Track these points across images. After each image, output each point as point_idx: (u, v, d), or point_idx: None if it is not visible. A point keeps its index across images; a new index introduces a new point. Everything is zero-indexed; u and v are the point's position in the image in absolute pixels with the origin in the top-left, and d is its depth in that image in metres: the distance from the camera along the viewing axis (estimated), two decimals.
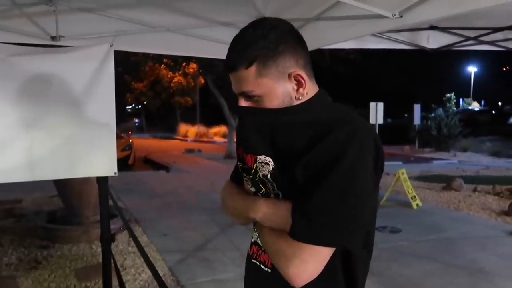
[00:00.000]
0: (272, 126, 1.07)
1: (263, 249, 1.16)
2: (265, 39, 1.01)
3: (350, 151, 0.95)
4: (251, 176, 1.13)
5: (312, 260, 0.97)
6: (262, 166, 1.07)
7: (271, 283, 1.12)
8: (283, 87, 1.05)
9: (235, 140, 1.28)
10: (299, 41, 1.07)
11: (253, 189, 1.17)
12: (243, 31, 1.06)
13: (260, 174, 1.09)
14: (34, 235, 5.15)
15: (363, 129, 1.01)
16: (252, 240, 1.25)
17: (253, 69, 1.02)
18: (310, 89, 1.09)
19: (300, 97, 1.07)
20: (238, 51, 1.03)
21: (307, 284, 1.00)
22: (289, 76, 1.05)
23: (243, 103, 1.09)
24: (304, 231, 0.97)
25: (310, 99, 1.10)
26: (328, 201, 0.95)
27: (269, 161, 1.06)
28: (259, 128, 1.08)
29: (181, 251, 4.75)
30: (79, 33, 2.79)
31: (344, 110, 1.10)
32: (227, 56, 1.06)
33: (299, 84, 1.06)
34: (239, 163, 1.21)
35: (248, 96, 1.07)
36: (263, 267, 1.16)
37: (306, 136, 1.01)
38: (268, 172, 1.07)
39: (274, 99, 1.05)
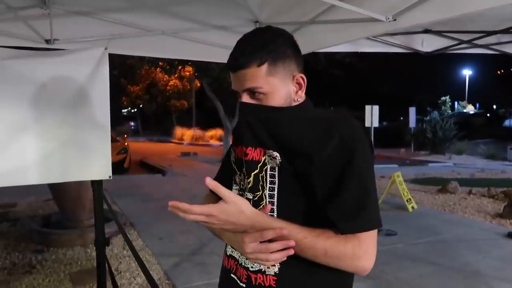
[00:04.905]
0: (274, 122, 1.11)
1: (239, 263, 1.18)
2: (275, 43, 1.11)
3: (357, 143, 1.04)
4: (257, 171, 1.13)
5: (372, 244, 1.04)
6: (271, 159, 1.11)
7: None
8: (287, 88, 1.13)
9: (231, 142, 1.29)
10: (298, 50, 1.17)
11: (249, 195, 1.15)
12: (251, 35, 1.14)
13: (269, 166, 1.12)
14: (29, 239, 5.12)
15: (356, 122, 1.09)
16: (228, 254, 1.25)
17: (264, 67, 1.09)
18: (303, 95, 1.19)
19: (298, 99, 1.17)
20: (250, 51, 1.09)
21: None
22: (293, 78, 1.14)
23: (245, 99, 1.13)
24: (357, 222, 1.02)
25: (303, 102, 1.18)
26: (359, 189, 1.03)
27: (276, 155, 1.10)
28: (262, 123, 1.12)
29: (176, 255, 4.73)
30: (73, 36, 2.78)
31: (331, 111, 1.21)
32: (235, 56, 1.12)
33: (299, 87, 1.16)
34: (235, 158, 1.23)
35: (252, 93, 1.12)
36: (238, 282, 1.17)
37: (312, 130, 1.08)
38: (276, 165, 1.10)
39: (277, 98, 1.12)
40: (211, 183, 1.00)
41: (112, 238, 5.04)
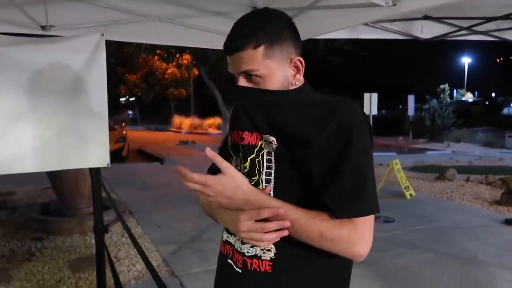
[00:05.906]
0: (271, 106, 1.09)
1: (235, 248, 1.16)
2: (271, 25, 1.08)
3: (355, 128, 1.01)
4: (253, 155, 1.12)
5: (368, 230, 1.02)
6: (268, 144, 1.09)
7: (241, 284, 1.14)
8: (284, 71, 1.11)
9: (228, 128, 1.27)
10: (297, 32, 1.15)
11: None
12: (247, 18, 1.12)
13: (265, 151, 1.10)
14: (28, 227, 5.13)
15: (355, 106, 1.06)
16: (223, 239, 1.24)
17: (260, 50, 1.07)
18: (302, 78, 1.16)
19: (296, 83, 1.14)
20: (247, 33, 1.07)
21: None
22: (291, 61, 1.12)
23: (242, 83, 1.12)
24: (353, 207, 1.00)
25: (302, 85, 1.16)
26: (356, 174, 1.00)
27: (273, 140, 1.08)
28: (259, 107, 1.10)
29: (175, 242, 4.75)
30: (69, 23, 2.74)
31: (329, 96, 1.17)
32: (231, 38, 1.10)
33: (297, 70, 1.13)
34: (232, 143, 1.21)
35: (249, 76, 1.10)
36: (234, 267, 1.16)
37: (309, 115, 1.05)
38: (273, 150, 1.09)
39: (274, 81, 1.10)
40: (211, 153, 1.01)
41: (111, 226, 5.05)
